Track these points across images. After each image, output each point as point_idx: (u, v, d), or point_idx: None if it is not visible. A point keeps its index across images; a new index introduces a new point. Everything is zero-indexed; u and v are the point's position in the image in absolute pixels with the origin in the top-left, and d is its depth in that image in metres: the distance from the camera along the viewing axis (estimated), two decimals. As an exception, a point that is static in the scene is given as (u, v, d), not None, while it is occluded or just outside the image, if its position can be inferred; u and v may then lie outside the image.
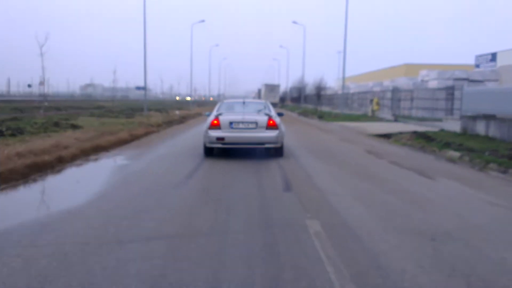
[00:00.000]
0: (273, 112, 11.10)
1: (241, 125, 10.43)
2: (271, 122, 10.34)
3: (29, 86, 68.43)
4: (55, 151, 10.62)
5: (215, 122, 10.44)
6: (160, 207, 6.31)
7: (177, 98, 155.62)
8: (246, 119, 10.38)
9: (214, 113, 11.06)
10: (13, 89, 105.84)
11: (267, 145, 10.43)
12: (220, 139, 10.28)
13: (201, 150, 12.25)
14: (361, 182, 8.43)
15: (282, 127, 10.82)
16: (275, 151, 10.74)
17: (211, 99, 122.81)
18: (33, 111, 31.12)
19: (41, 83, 63.64)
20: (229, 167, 9.92)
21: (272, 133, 10.38)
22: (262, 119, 10.40)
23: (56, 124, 18.07)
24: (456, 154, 13.26)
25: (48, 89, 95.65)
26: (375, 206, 6.51)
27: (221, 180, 8.40)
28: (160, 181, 8.23)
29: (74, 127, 17.46)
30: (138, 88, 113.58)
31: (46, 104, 48.57)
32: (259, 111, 11.14)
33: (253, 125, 10.37)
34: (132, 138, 15.50)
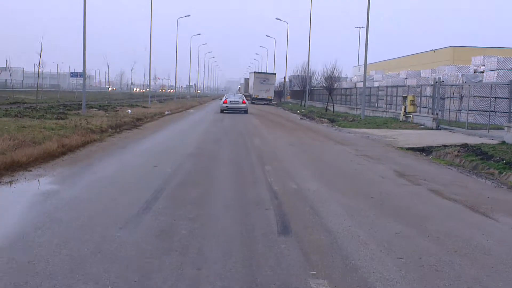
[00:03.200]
0: (243, 98, 49.56)
1: (233, 102, 47.09)
2: (243, 101, 47.71)
3: None
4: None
5: (225, 101, 47.02)
6: (102, 260, 6.19)
7: (136, 90, 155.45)
8: (235, 100, 47.88)
9: (224, 98, 48.76)
10: None
11: (242, 110, 45.88)
12: (226, 106, 46.10)
13: (155, 176, 12.46)
14: (389, 220, 8.38)
15: (247, 103, 48.72)
16: (244, 112, 45.71)
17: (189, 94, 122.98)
18: None
19: None
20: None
21: (244, 105, 46.88)
22: (241, 100, 47.83)
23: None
24: (523, 179, 13.31)
25: None
26: (409, 259, 6.45)
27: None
28: (102, 217, 8.10)
29: (-19, 132, 17.25)
30: (73, 74, 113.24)
31: None
32: (239, 97, 49.72)
33: (237, 102, 47.10)
34: (64, 151, 15.32)
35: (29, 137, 16.63)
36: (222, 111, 45.98)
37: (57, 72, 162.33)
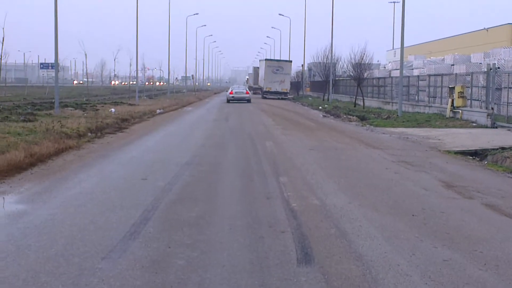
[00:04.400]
0: (246, 89, 76.65)
1: (238, 93, 71.29)
2: (247, 92, 72.58)
3: None
4: None
5: (231, 92, 71.83)
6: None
7: (113, 83, 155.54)
8: (239, 91, 72.94)
9: (230, 90, 75.52)
10: None
11: (245, 100, 68.14)
12: (232, 96, 69.45)
13: (145, 191, 12.44)
14: (435, 244, 8.29)
15: (250, 94, 74.00)
16: (247, 101, 67.40)
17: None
18: None
19: None
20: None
21: (247, 95, 70.16)
22: (244, 91, 72.94)
23: None
24: None
25: None
26: (461, 293, 6.38)
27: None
28: (80, 245, 8.07)
29: None
30: (44, 65, 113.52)
31: None
32: (243, 89, 76.52)
33: (241, 93, 71.37)
34: (33, 161, 15.33)
35: (-10, 145, 16.66)
36: (228, 101, 68.62)
37: (24, 63, 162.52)
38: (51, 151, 17.29)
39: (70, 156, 17.28)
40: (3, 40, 45.10)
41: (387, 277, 6.86)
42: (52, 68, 64.93)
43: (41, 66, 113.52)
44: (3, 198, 11.28)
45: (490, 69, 33.52)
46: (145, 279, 6.72)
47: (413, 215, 10.17)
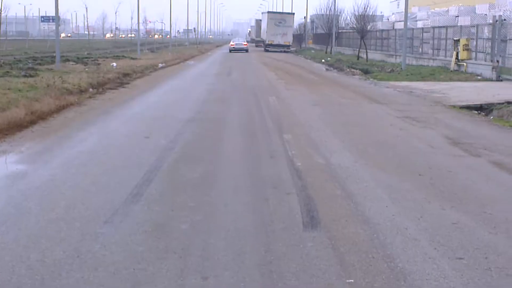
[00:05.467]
0: (245, 41, 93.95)
1: (238, 44, 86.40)
2: (245, 43, 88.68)
3: None
4: None
5: (232, 44, 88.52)
6: (81, 268, 5.98)
7: (108, 35, 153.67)
8: (239, 43, 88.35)
9: (231, 42, 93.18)
10: None
11: (244, 50, 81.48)
12: (233, 47, 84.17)
13: (148, 150, 12.22)
14: (443, 206, 8.11)
15: (248, 45, 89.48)
16: (246, 51, 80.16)
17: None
18: None
19: None
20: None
21: (245, 46, 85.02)
22: (243, 43, 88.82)
23: None
24: None
25: None
26: (471, 260, 6.19)
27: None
28: (82, 208, 7.91)
29: None
30: (45, 19, 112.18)
31: None
32: (242, 41, 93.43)
33: (240, 44, 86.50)
34: (34, 119, 15.11)
35: (-10, 102, 16.45)
36: (230, 51, 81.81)
37: (25, 16, 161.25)
38: (52, 108, 17.07)
39: (71, 113, 17.07)
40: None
41: (395, 242, 6.67)
42: (53, 21, 64.16)
43: (42, 19, 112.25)
44: (4, 158, 11.10)
45: (496, 20, 33.09)
46: (148, 245, 6.54)
47: (419, 175, 9.98)
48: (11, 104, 16.33)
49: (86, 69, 32.51)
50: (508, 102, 19.62)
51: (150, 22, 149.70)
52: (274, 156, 11.43)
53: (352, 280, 5.61)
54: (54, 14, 37.03)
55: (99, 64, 38.71)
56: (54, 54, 36.03)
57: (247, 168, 10.46)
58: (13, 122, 14.10)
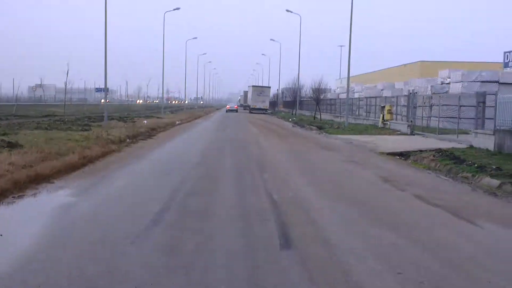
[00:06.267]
0: (236, 105, 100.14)
1: (231, 107, 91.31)
2: (236, 106, 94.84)
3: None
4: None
5: (228, 106, 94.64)
6: (111, 281, 5.38)
7: (139, 101, 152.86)
8: (232, 106, 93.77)
9: (227, 106, 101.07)
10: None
11: (235, 111, 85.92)
12: (229, 109, 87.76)
13: (166, 186, 11.48)
14: (382, 230, 7.58)
15: (238, 108, 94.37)
16: (236, 111, 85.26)
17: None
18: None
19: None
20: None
21: (236, 109, 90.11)
22: (234, 106, 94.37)
23: (-11, 142, 17.04)
24: (494, 181, 12.55)
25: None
26: (408, 274, 5.66)
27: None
28: (114, 231, 7.31)
29: (11, 145, 16.43)
30: (98, 89, 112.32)
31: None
32: (233, 105, 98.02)
33: (232, 107, 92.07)
34: (85, 162, 14.48)
35: (55, 149, 15.82)
36: (226, 111, 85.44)
37: (84, 87, 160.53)
38: (99, 153, 16.45)
39: (112, 158, 16.44)
40: (67, 72, 44.36)
41: (349, 260, 6.12)
42: (103, 91, 64.09)
43: (96, 90, 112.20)
44: (60, 192, 10.47)
45: (410, 93, 33.04)
46: (163, 262, 5.97)
47: (363, 205, 9.47)
48: (69, 151, 15.71)
49: (125, 125, 31.91)
50: (421, 150, 19.19)
51: (171, 92, 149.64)
52: (257, 190, 10.86)
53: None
54: (98, 87, 36.79)
55: (134, 121, 38.12)
56: (103, 115, 35.52)
57: (237, 200, 9.85)
58: (69, 165, 13.48)
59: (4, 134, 20.72)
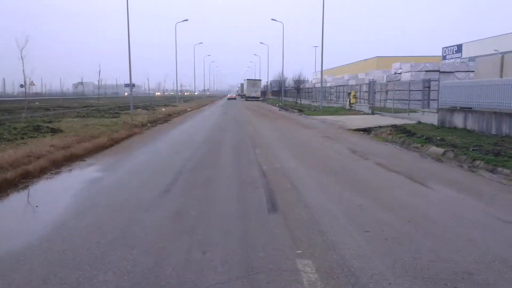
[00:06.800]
0: (235, 94, 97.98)
1: (231, 96, 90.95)
2: (235, 95, 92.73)
3: (22, 86, 65.68)
4: (23, 164, 9.13)
5: (228, 96, 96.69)
6: (126, 244, 4.91)
7: (157, 94, 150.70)
8: (232, 95, 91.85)
9: (228, 95, 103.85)
10: (9, 89, 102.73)
11: (234, 99, 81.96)
12: (228, 98, 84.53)
13: (176, 161, 10.92)
14: (352, 194, 7.12)
15: (237, 97, 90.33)
16: (234, 99, 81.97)
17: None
18: (20, 112, 29.02)
19: (31, 83, 61.22)
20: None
21: (235, 97, 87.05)
22: (233, 95, 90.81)
23: (37, 128, 16.43)
24: (439, 150, 12.11)
25: (42, 88, 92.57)
26: (374, 232, 5.22)
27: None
28: (132, 201, 6.82)
29: (54, 131, 15.84)
30: (126, 85, 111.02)
31: (37, 103, 46.47)
32: (232, 94, 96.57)
33: (232, 96, 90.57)
34: (112, 143, 13.95)
35: (89, 133, 15.26)
36: (228, 99, 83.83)
37: (116, 83, 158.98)
38: (124, 136, 15.90)
39: (135, 139, 15.89)
40: (99, 72, 43.47)
41: (324, 220, 5.67)
42: (130, 86, 63.08)
43: (125, 85, 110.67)
44: (90, 168, 9.95)
45: (370, 82, 32.37)
46: (170, 228, 5.48)
47: (336, 173, 9.00)
48: (100, 134, 15.15)
49: (147, 113, 31.24)
50: (380, 126, 18.72)
51: (184, 85, 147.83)
52: (250, 162, 10.34)
53: (300, 251, 4.58)
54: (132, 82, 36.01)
55: (154, 109, 37.39)
56: (129, 105, 34.82)
57: (235, 171, 9.32)
58: (99, 146, 12.95)
59: (49, 122, 20.09)
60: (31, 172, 8.62)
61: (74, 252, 4.63)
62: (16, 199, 7.20)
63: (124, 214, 6.05)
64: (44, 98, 62.08)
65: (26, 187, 7.87)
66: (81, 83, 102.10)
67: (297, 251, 4.54)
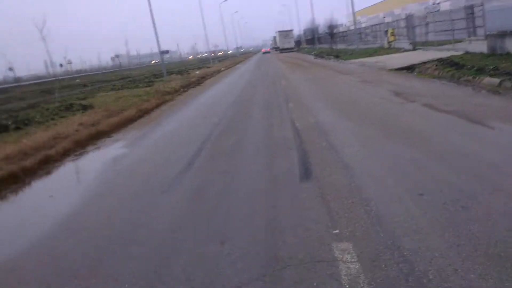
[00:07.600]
0: (269, 48, 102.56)
1: (266, 50, 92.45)
2: (269, 49, 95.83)
3: (61, 65, 66.81)
4: (47, 148, 8.68)
5: (263, 50, 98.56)
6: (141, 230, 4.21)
7: (190, 57, 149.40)
8: (266, 49, 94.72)
9: (262, 49, 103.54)
10: (50, 69, 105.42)
11: (268, 52, 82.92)
12: (263, 53, 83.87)
13: (204, 127, 10.16)
14: (398, 145, 6.05)
15: (271, 51, 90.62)
16: (269, 53, 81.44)
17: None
18: (61, 91, 29.01)
19: (69, 61, 61.99)
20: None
21: (269, 51, 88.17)
22: (268, 49, 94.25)
23: (69, 107, 16.16)
24: (494, 80, 10.58)
25: (82, 66, 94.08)
26: (430, 195, 4.21)
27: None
28: (151, 182, 6.12)
29: (85, 108, 15.48)
30: (161, 52, 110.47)
31: (77, 80, 47.02)
32: (267, 48, 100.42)
33: (267, 50, 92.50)
34: (141, 114, 13.36)
35: (119, 107, 14.77)
36: (262, 53, 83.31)
37: (151, 52, 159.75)
38: (154, 105, 15.28)
39: (165, 107, 15.24)
40: (126, 42, 43.12)
41: (367, 184, 4.68)
42: (167, 53, 62.59)
43: (160, 53, 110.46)
44: (116, 144, 9.39)
45: (407, 16, 29.87)
46: (188, 209, 4.72)
47: (378, 121, 7.86)
48: (130, 107, 14.61)
49: (181, 77, 30.62)
50: (424, 62, 16.97)
51: (217, 46, 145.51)
52: (282, 121, 9.35)
53: (338, 231, 3.65)
54: (163, 49, 35.47)
55: (189, 73, 36.77)
56: (166, 71, 34.33)
57: (265, 133, 8.38)
58: (127, 118, 12.41)
59: (83, 99, 19.86)
60: (52, 156, 8.12)
61: (92, 231, 3.98)
62: (31, 188, 6.70)
63: (143, 198, 5.35)
64: (86, 75, 62.98)
65: (46, 173, 7.37)
66: (117, 56, 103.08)
67: (334, 231, 3.63)
